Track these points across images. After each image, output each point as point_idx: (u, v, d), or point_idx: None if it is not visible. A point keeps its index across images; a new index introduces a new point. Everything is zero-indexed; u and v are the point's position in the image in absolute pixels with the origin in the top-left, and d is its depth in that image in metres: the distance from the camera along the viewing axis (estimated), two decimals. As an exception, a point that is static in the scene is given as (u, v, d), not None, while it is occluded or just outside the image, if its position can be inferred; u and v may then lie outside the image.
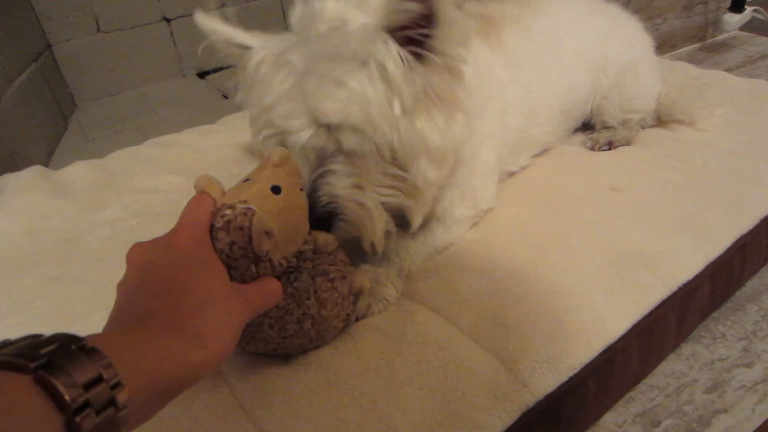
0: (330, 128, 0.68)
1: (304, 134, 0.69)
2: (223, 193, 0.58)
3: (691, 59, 1.97)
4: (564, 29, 1.12)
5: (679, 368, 0.83)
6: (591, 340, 0.70)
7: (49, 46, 1.95)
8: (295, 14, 0.75)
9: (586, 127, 1.27)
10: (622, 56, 1.17)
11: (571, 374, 0.67)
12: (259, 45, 0.77)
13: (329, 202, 0.68)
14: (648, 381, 0.81)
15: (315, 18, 0.72)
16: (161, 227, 0.99)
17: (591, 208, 0.95)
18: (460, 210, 0.89)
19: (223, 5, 2.20)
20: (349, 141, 0.68)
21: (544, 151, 1.16)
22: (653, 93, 1.23)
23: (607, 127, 1.22)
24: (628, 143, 1.19)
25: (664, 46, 1.25)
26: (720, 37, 2.31)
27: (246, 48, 0.79)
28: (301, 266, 0.63)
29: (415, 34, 0.67)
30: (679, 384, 0.80)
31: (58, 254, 0.92)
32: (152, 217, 1.01)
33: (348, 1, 0.73)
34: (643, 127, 1.25)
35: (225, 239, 0.54)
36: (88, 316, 0.78)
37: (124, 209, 1.04)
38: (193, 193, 1.17)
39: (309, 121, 0.69)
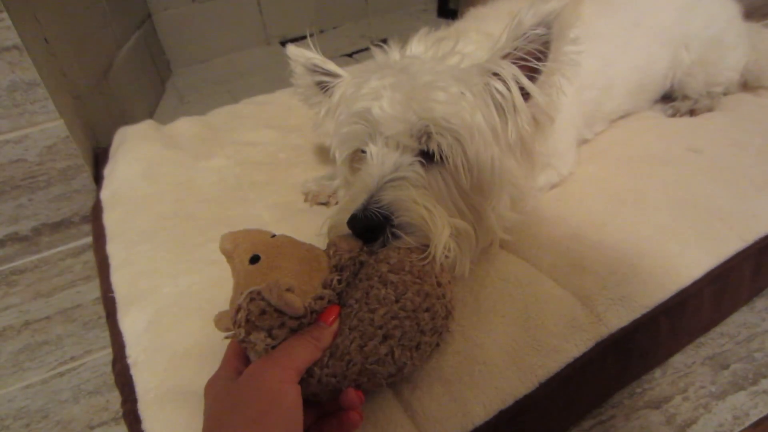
0: (424, 131, 0.66)
1: (398, 125, 0.66)
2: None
3: (782, 29, 1.89)
4: (645, 4, 1.11)
5: (751, 320, 0.85)
6: (665, 283, 0.75)
7: (149, 15, 2.11)
8: (389, 56, 0.77)
9: (665, 98, 1.26)
10: (705, 30, 1.13)
11: (644, 312, 0.72)
12: (352, 73, 0.78)
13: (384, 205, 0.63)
14: (719, 329, 0.84)
15: (414, 59, 0.74)
16: (261, 176, 1.10)
17: (668, 167, 0.97)
18: (543, 178, 0.93)
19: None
20: (443, 142, 0.65)
21: (621, 117, 1.17)
22: (739, 65, 1.20)
23: (688, 97, 1.20)
24: (710, 111, 1.18)
25: (755, 14, 1.20)
26: (816, 8, 2.18)
27: (333, 75, 0.81)
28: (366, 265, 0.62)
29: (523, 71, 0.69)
30: (751, 333, 0.83)
31: (174, 195, 1.04)
32: (253, 166, 1.12)
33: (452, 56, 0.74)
34: (725, 95, 1.23)
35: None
36: (204, 246, 0.89)
37: (227, 158, 1.15)
38: (287, 146, 1.27)
39: (407, 114, 0.65)
